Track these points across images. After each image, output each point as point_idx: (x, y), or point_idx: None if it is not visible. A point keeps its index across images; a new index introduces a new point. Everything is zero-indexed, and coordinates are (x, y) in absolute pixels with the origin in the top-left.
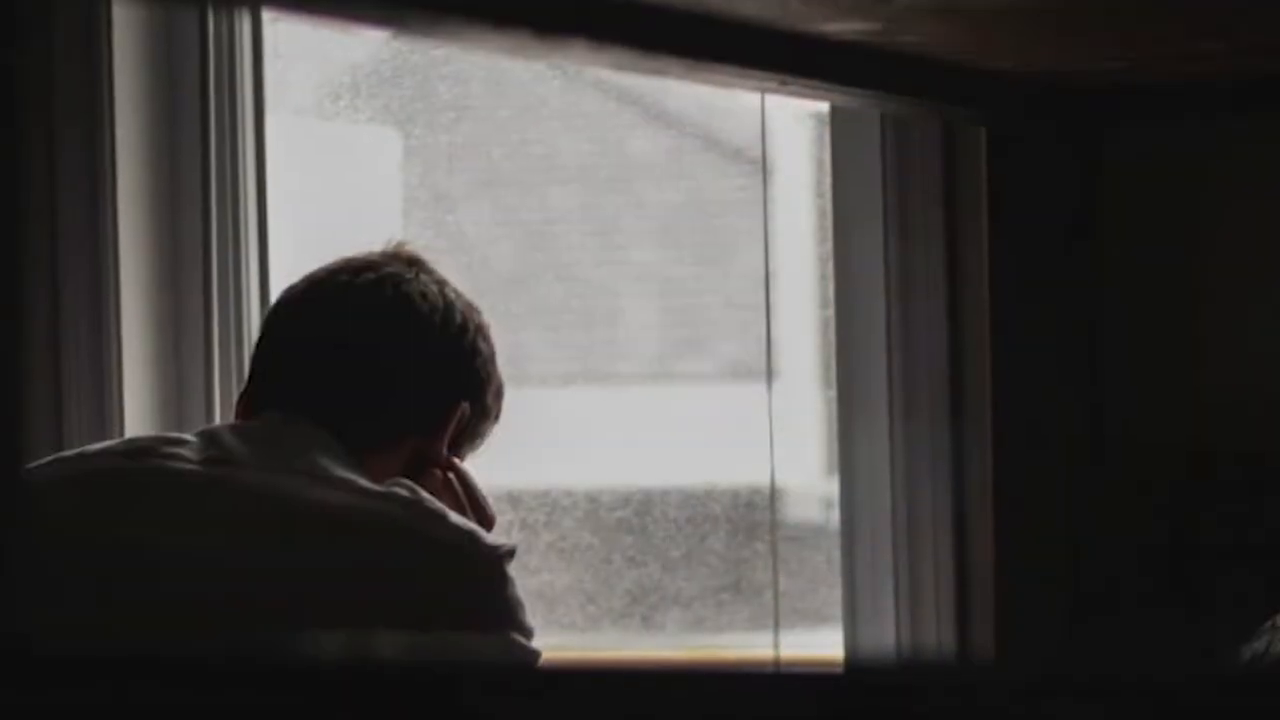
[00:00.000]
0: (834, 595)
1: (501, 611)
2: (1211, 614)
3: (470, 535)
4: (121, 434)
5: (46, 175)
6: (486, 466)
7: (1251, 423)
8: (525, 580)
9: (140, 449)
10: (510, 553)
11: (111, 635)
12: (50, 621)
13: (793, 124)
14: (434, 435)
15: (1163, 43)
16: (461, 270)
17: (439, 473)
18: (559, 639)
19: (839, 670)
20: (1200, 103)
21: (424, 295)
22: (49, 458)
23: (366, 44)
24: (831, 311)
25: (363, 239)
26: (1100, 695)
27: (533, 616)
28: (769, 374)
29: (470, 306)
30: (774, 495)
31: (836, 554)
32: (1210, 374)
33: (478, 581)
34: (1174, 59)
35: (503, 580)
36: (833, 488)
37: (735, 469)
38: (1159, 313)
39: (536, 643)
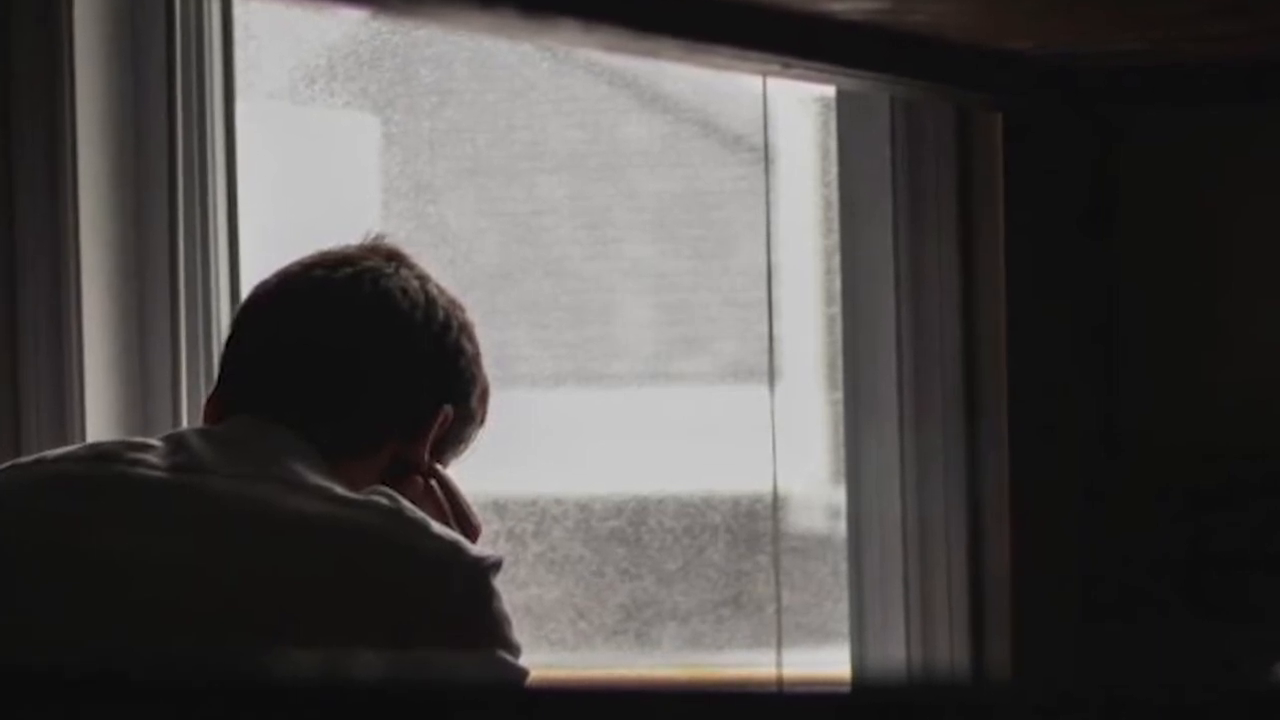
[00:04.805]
0: (840, 610)
1: (487, 627)
2: (1233, 621)
3: (454, 546)
4: (83, 438)
5: (3, 164)
6: (471, 473)
7: (1275, 421)
8: (512, 594)
9: (103, 454)
10: (496, 565)
11: (72, 649)
12: (6, 633)
13: (796, 109)
14: (415, 440)
15: (1183, 23)
16: (444, 265)
17: (421, 480)
18: (548, 656)
19: (846, 690)
20: (1221, 86)
21: (404, 291)
22: (5, 464)
23: (343, 24)
24: (838, 309)
25: (339, 231)
26: (1121, 715)
27: (520, 632)
28: (771, 375)
29: (454, 303)
30: (777, 504)
31: (843, 566)
32: (1231, 371)
33: (462, 595)
34: (1194, 40)
35: (488, 594)
36: (839, 495)
37: (736, 476)
38: (1178, 307)
39: (524, 660)
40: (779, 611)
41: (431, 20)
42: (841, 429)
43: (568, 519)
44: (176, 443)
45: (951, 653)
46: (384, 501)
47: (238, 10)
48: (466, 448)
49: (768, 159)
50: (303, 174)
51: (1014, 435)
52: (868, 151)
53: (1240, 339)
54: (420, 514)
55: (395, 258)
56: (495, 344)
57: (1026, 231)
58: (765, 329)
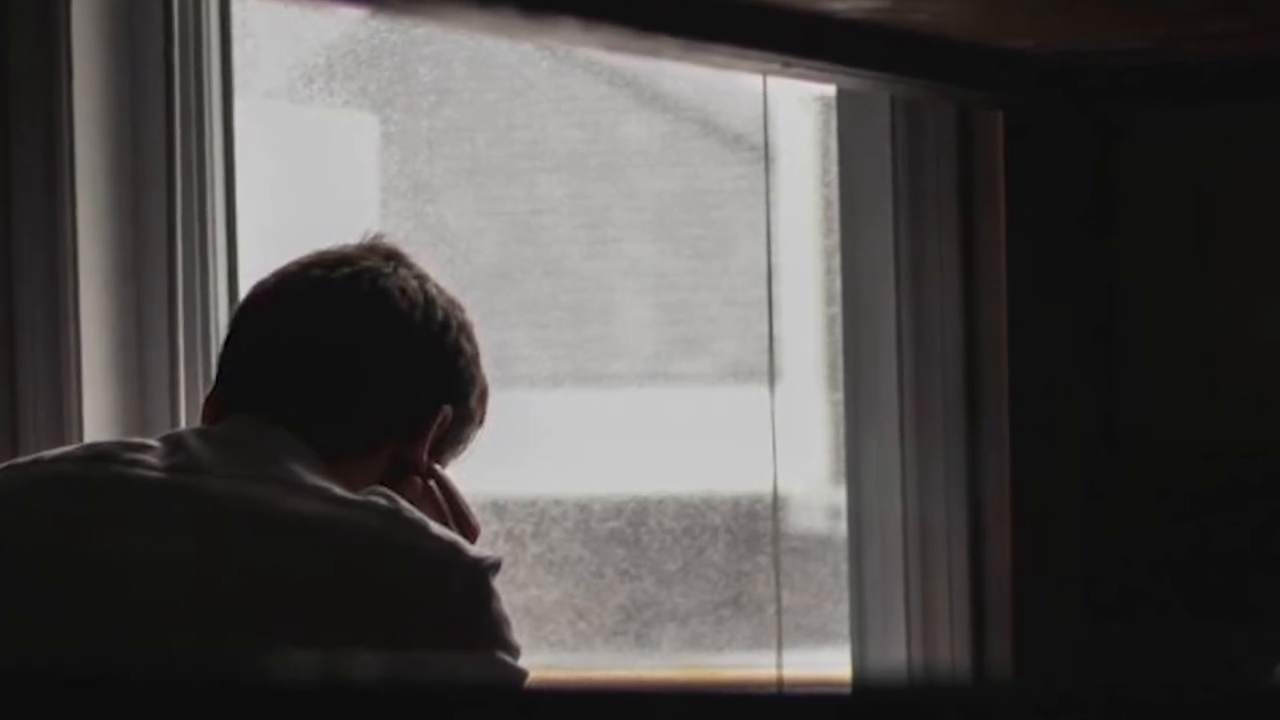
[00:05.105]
0: (841, 611)
1: (486, 628)
2: (1234, 621)
3: (453, 547)
4: (80, 438)
5: (1, 163)
6: (470, 474)
7: (1275, 420)
8: (511, 595)
9: (100, 455)
10: (495, 566)
11: (71, 650)
12: (6, 634)
13: (797, 108)
14: (414, 441)
15: (1183, 21)
16: (443, 264)
17: (419, 481)
18: (547, 658)
19: (846, 691)
20: (1222, 84)
21: (403, 291)
22: (2, 464)
23: (342, 23)
24: (838, 308)
25: (337, 231)
26: (1121, 716)
27: (519, 634)
28: (771, 375)
29: (452, 303)
30: (777, 504)
31: (844, 567)
32: (1231, 370)
33: (461, 596)
34: (1195, 38)
35: (487, 595)
36: (840, 496)
37: (736, 476)
38: (1178, 306)
39: (523, 662)
40: (779, 612)
41: (430, 19)
42: (842, 429)
43: (567, 520)
44: (174, 443)
45: (952, 653)
46: (382, 502)
47: (235, 9)
48: (465, 448)
49: (768, 158)
50: (301, 173)
51: (1015, 435)
52: (868, 151)
53: (1240, 338)
54: (419, 515)
55: (394, 257)
56: (494, 344)
57: (1027, 230)
58: (765, 329)
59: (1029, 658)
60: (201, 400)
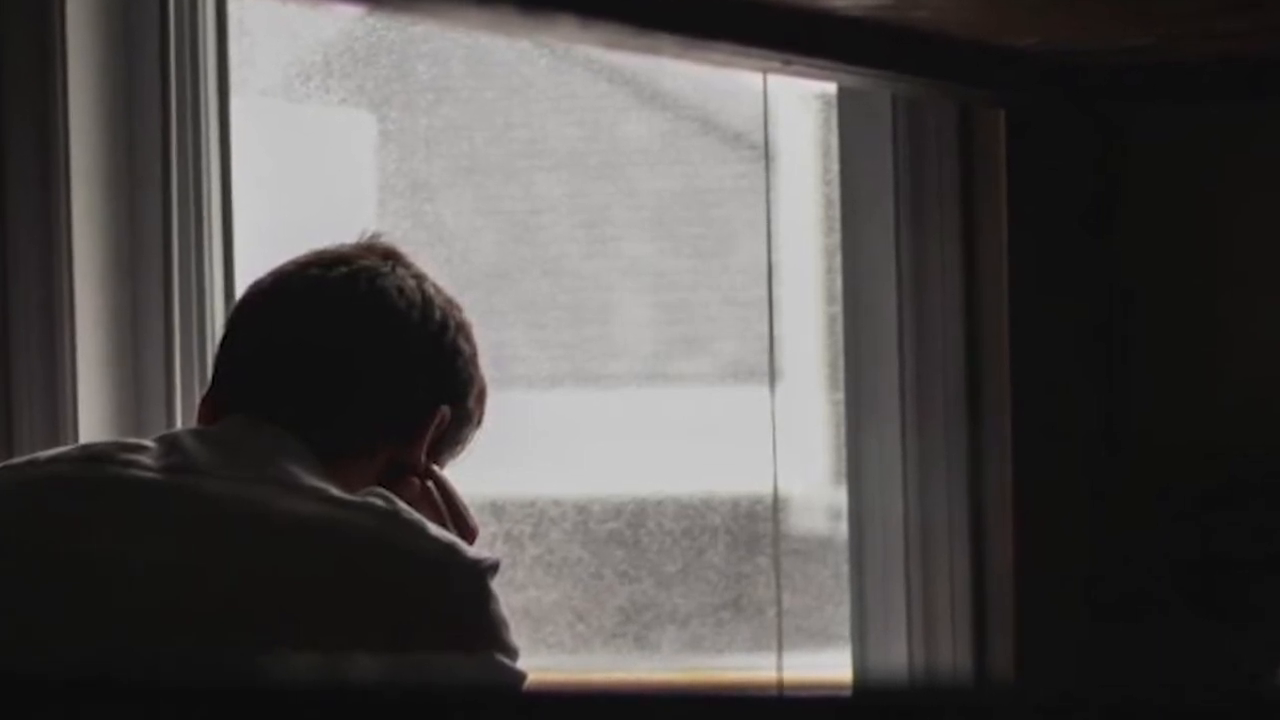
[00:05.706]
0: (841, 613)
1: (484, 630)
2: (1235, 622)
3: (451, 548)
4: (76, 439)
5: None
6: (468, 475)
7: (1276, 420)
8: (510, 597)
9: (95, 456)
10: (494, 567)
11: (70, 651)
12: (5, 635)
13: (797, 106)
14: (412, 441)
15: (1185, 20)
16: (441, 264)
17: (417, 481)
18: (546, 660)
19: (847, 693)
20: (1223, 83)
21: (401, 291)
22: None
23: (339, 20)
24: (839, 308)
25: (335, 230)
26: (1123, 717)
27: (518, 635)
28: (772, 375)
29: (450, 303)
30: (777, 505)
31: (844, 568)
32: (1232, 369)
33: (459, 598)
34: (1196, 37)
35: (486, 596)
36: (840, 497)
37: (736, 477)
38: (1179, 305)
39: (522, 664)
40: (779, 614)
41: (428, 17)
42: (843, 429)
43: (566, 521)
44: (170, 444)
45: (954, 655)
46: (380, 503)
47: (232, 6)
48: (463, 449)
49: (768, 156)
50: (298, 172)
51: (1016, 435)
52: (869, 149)
53: (1241, 337)
54: (417, 516)
55: (391, 257)
56: (492, 344)
57: (1028, 229)
58: (765, 328)
59: (1030, 658)
60: (198, 400)
